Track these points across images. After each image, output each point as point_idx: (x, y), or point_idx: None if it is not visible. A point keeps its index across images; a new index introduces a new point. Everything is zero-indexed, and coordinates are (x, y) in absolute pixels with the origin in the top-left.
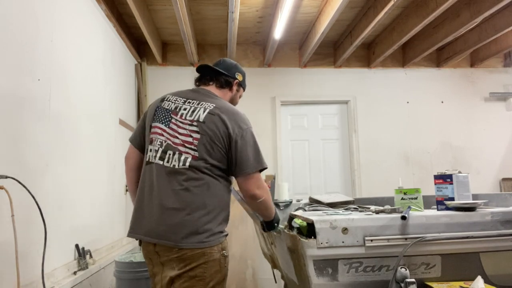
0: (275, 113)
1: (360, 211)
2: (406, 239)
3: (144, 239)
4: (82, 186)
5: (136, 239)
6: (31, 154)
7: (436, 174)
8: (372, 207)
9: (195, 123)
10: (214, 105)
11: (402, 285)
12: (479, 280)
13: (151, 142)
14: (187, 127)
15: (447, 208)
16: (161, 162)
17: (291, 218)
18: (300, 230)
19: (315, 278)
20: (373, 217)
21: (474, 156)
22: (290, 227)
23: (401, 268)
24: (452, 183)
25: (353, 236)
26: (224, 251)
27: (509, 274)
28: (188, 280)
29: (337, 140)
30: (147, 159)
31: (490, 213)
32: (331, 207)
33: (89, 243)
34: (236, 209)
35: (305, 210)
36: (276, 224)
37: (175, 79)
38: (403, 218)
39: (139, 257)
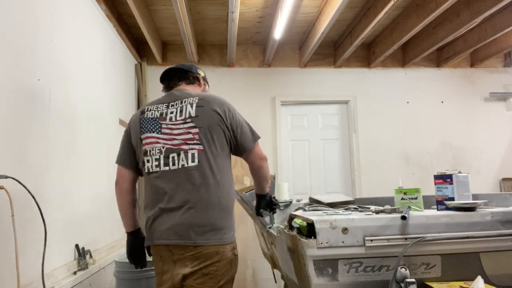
0: (275, 113)
1: (360, 211)
2: (406, 239)
3: (158, 242)
4: (82, 186)
5: (156, 245)
6: (31, 154)
7: (436, 174)
8: (372, 207)
9: (188, 120)
10: (198, 97)
11: (402, 285)
12: (479, 280)
13: (146, 153)
14: (182, 126)
15: (447, 208)
16: (167, 168)
17: (291, 218)
18: (300, 230)
19: (315, 278)
20: (373, 217)
21: (474, 156)
22: (290, 227)
23: (401, 268)
24: (452, 183)
25: (353, 236)
26: (235, 250)
27: (509, 274)
28: (200, 277)
29: (337, 140)
30: (147, 170)
31: (490, 213)
32: (331, 207)
33: (89, 243)
34: (236, 209)
35: (305, 210)
36: (270, 199)
37: None
38: (403, 218)
39: None
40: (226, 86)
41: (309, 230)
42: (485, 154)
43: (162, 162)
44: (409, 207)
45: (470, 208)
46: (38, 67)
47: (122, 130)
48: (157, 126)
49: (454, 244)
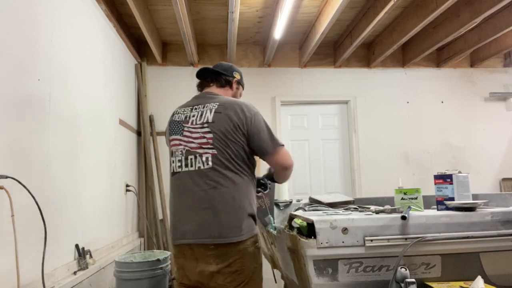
0: (275, 113)
1: (360, 211)
2: (406, 239)
3: (179, 242)
4: (82, 186)
5: (178, 245)
6: (31, 154)
7: (436, 174)
8: (372, 207)
9: (205, 125)
10: (218, 104)
11: (402, 285)
12: (479, 280)
13: (172, 154)
14: (199, 130)
15: (447, 208)
16: (187, 169)
17: (291, 218)
18: (300, 230)
19: (315, 278)
20: (373, 217)
21: (474, 156)
22: (290, 227)
23: (401, 268)
24: (452, 183)
25: (353, 236)
26: (257, 243)
27: (509, 274)
28: (230, 275)
29: (337, 140)
30: (172, 170)
31: (490, 213)
32: (331, 207)
33: (89, 243)
34: None
35: (305, 210)
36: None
37: (175, 79)
38: (403, 218)
39: (139, 257)
40: None
41: (309, 230)
42: (485, 154)
43: (183, 163)
44: (409, 207)
45: (470, 208)
46: (38, 67)
47: (122, 130)
48: (181, 129)
49: (454, 244)
